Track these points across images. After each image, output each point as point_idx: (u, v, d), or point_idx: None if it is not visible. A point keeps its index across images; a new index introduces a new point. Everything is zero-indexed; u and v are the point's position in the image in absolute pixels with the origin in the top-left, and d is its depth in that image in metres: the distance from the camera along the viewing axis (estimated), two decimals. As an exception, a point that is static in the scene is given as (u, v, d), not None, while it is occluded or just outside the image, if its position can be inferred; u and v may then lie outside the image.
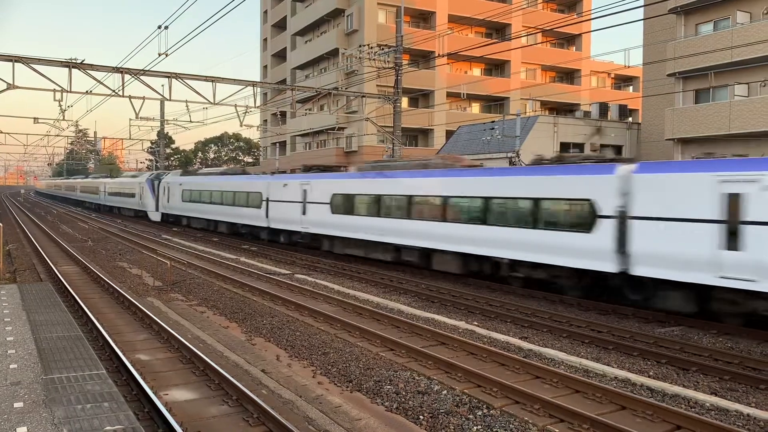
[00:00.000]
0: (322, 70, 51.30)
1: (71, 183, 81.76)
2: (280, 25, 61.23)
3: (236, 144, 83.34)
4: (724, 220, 11.65)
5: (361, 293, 16.29)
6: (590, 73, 53.31)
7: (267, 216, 27.17)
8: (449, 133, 43.25)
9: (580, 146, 35.61)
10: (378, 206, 20.50)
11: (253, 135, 75.22)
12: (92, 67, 23.35)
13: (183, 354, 10.43)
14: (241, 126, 53.97)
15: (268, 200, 27.03)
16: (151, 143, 70.46)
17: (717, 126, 27.10)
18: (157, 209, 41.77)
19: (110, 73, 23.94)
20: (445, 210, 17.94)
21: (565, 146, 35.07)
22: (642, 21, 33.14)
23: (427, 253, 19.02)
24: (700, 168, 12.30)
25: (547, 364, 9.92)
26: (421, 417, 7.79)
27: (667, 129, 29.59)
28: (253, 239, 29.69)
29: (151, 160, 74.23)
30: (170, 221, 40.56)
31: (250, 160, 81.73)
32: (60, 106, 25.34)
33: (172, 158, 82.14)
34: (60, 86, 23.37)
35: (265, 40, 65.63)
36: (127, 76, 23.95)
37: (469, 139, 37.05)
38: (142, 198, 43.47)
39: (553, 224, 14.82)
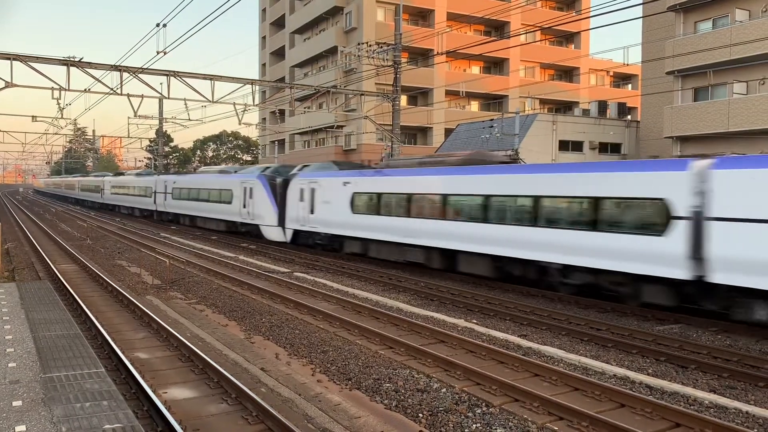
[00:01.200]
0: (321, 68, 51.26)
1: (90, 182, 64.33)
2: (279, 23, 61.18)
3: (235, 142, 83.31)
4: None
5: (360, 291, 16.29)
6: (589, 71, 53.31)
7: (722, 256, 11.76)
8: (448, 132, 43.26)
9: (579, 144, 35.65)
10: None
11: (252, 133, 75.23)
12: (90, 65, 23.31)
13: (182, 352, 10.43)
14: (239, 124, 53.81)
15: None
16: (150, 141, 70.39)
17: (716, 124, 27.12)
18: (281, 223, 26.38)
19: (108, 71, 23.91)
20: None
21: (564, 144, 35.10)
22: (641, 19, 33.14)
23: None
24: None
25: (546, 362, 9.93)
26: (421, 415, 7.79)
27: (665, 127, 29.61)
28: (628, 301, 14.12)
29: (150, 159, 74.09)
30: (315, 244, 24.73)
31: (249, 158, 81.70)
32: (58, 104, 25.35)
33: (170, 156, 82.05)
34: (58, 84, 23.34)
35: (264, 38, 65.57)
36: (125, 74, 23.92)
37: (468, 137, 37.05)
38: (250, 205, 28.05)
39: None
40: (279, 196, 26.54)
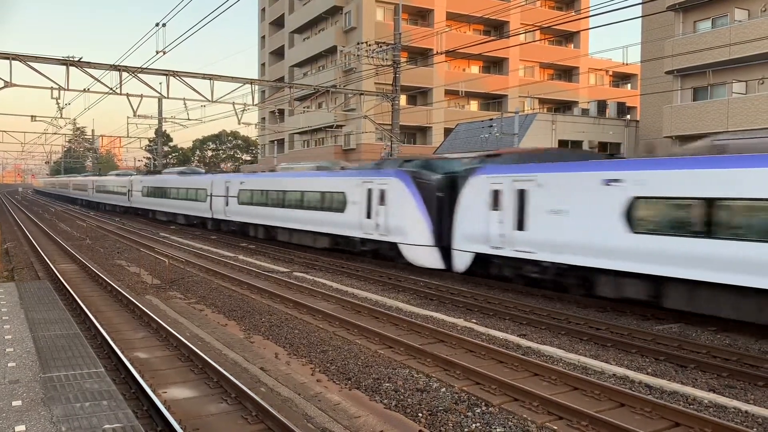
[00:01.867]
0: (321, 68, 51.28)
1: (110, 182, 54.14)
2: (278, 23, 61.20)
3: (234, 142, 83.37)
4: None
5: (359, 291, 16.29)
6: (588, 71, 53.33)
7: None
8: (447, 131, 43.27)
9: (578, 143, 35.66)
10: None
11: (251, 133, 75.27)
12: (90, 65, 23.31)
13: (181, 352, 10.43)
14: (239, 124, 53.63)
15: None
16: (149, 141, 70.38)
17: (715, 123, 27.13)
18: (440, 242, 18.56)
19: (108, 71, 23.92)
20: None
21: (563, 143, 35.11)
22: (640, 18, 33.16)
23: None
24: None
25: (546, 362, 9.93)
26: (420, 414, 7.79)
27: (665, 126, 29.62)
28: None
29: (149, 158, 74.05)
30: (519, 276, 16.32)
31: (249, 158, 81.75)
32: (57, 104, 25.37)
33: (169, 156, 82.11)
34: (57, 84, 23.35)
35: (263, 37, 65.58)
36: (124, 74, 23.91)
37: (467, 137, 37.07)
38: (380, 214, 20.07)
39: None
40: (436, 201, 18.62)
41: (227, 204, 31.11)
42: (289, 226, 25.68)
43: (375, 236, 20.38)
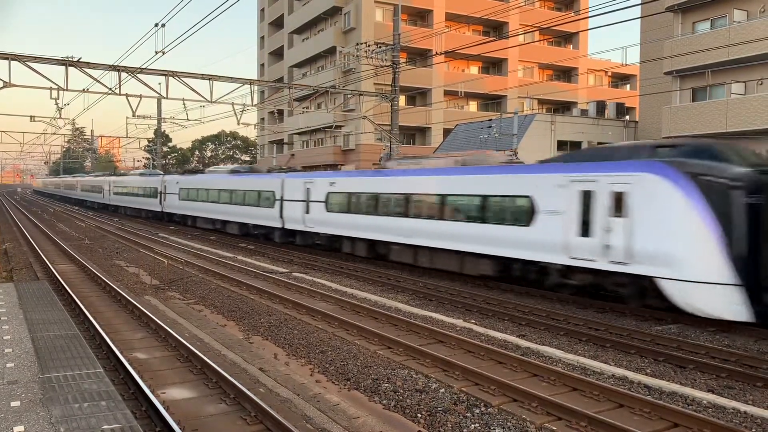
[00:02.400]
0: (320, 69, 51.27)
1: (134, 183, 47.12)
2: (278, 23, 61.21)
3: (233, 142, 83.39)
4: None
5: (358, 291, 16.28)
6: (587, 71, 53.36)
7: None
8: (446, 132, 43.29)
9: (577, 144, 35.68)
10: None
11: (251, 133, 75.30)
12: (89, 65, 23.30)
13: (180, 352, 10.42)
14: (238, 124, 53.57)
15: None
16: (148, 141, 70.36)
17: (714, 124, 27.16)
18: (760, 283, 11.72)
19: (107, 72, 23.90)
20: None
21: (562, 144, 35.14)
22: (639, 19, 33.20)
23: None
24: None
25: (545, 362, 9.93)
26: (419, 415, 7.80)
27: (664, 127, 29.64)
28: None
29: (148, 159, 74.03)
30: None
31: (248, 158, 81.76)
32: (56, 104, 25.36)
33: (169, 156, 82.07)
34: (56, 84, 23.33)
35: (263, 38, 65.59)
36: (123, 75, 23.89)
37: (466, 137, 37.08)
38: (619, 230, 13.17)
39: None
40: (743, 212, 11.98)
41: (308, 211, 24.40)
42: (415, 243, 18.98)
43: (599, 264, 13.63)
